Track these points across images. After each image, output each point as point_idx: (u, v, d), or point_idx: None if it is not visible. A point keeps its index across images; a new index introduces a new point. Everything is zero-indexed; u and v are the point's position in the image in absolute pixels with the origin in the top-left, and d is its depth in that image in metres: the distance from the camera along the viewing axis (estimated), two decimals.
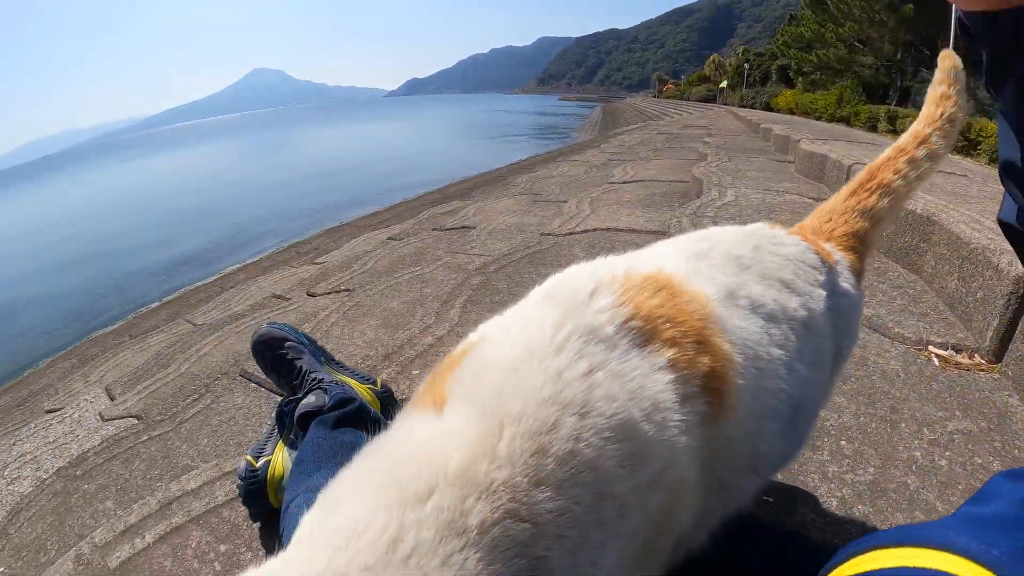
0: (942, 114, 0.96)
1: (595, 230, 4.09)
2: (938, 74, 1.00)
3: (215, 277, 9.60)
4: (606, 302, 0.58)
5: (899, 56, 22.72)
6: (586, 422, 0.49)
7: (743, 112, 24.86)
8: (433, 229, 5.40)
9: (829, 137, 7.47)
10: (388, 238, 5.60)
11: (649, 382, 0.53)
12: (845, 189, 1.05)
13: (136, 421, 2.73)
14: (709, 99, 58.08)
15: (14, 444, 3.10)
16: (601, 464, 0.49)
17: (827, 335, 0.82)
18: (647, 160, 7.89)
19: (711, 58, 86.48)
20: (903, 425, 1.68)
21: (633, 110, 54.27)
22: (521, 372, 0.51)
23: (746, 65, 53.28)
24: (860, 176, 1.03)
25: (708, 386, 0.57)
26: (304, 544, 0.52)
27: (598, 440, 0.49)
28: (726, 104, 44.61)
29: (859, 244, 1.01)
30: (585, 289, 0.60)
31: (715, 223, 3.42)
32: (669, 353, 0.56)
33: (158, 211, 27.83)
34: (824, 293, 0.83)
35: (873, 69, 23.43)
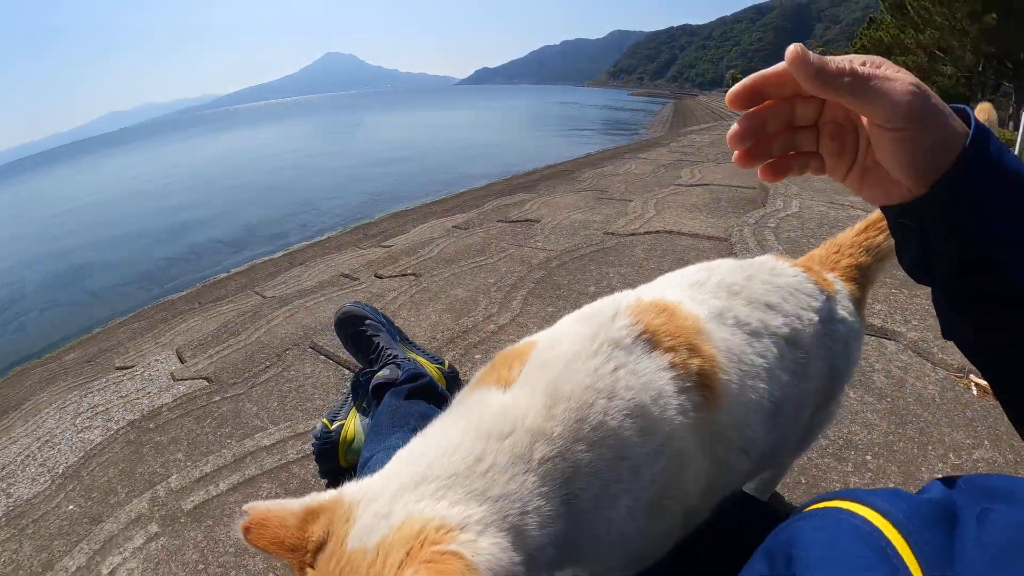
0: None
1: (658, 232, 4.13)
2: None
3: (283, 252, 9.80)
4: (625, 322, 0.80)
5: (980, 68, 21.90)
6: (612, 403, 0.72)
7: None
8: (498, 220, 5.52)
9: None
10: (454, 226, 5.75)
11: (655, 377, 0.75)
12: (858, 225, 1.18)
13: (206, 383, 2.98)
14: None
15: (84, 396, 3.40)
16: (621, 433, 0.72)
17: (815, 353, 0.97)
18: (716, 163, 7.82)
19: None
20: (930, 448, 1.72)
21: (705, 108, 53.27)
22: (570, 368, 0.74)
23: None
24: (873, 215, 1.15)
25: (700, 382, 0.78)
26: (402, 461, 0.76)
27: (620, 416, 0.72)
28: None
29: (861, 276, 1.15)
30: (609, 313, 0.82)
31: (776, 234, 3.49)
32: (669, 357, 0.77)
33: (228, 185, 28.41)
34: (816, 317, 0.99)
35: (953, 80, 22.53)
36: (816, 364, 0.97)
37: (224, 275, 9.16)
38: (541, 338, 0.84)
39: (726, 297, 0.94)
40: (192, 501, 1.93)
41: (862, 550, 0.48)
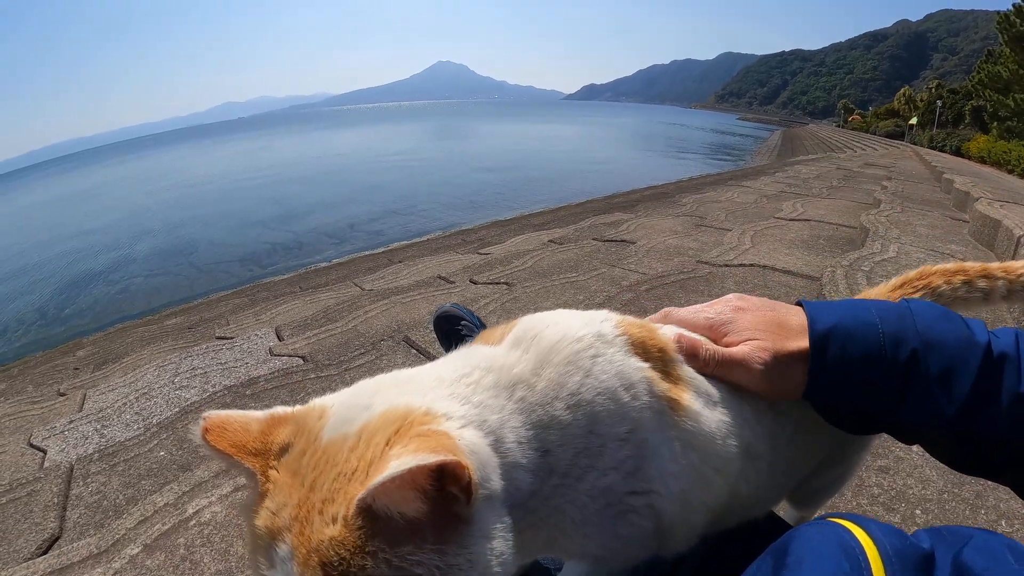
0: (1021, 275, 1.01)
1: (751, 265, 4.08)
2: None
3: (383, 249, 10.00)
4: (610, 324, 0.83)
5: None
6: (588, 380, 0.75)
7: (929, 155, 23.30)
8: (593, 239, 5.53)
9: (1013, 199, 6.83)
10: (550, 240, 5.80)
11: (630, 372, 0.78)
12: (895, 280, 1.12)
13: (302, 361, 3.11)
14: (896, 135, 54.89)
15: (184, 359, 3.60)
16: (594, 408, 0.74)
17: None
18: (819, 197, 7.69)
19: (902, 91, 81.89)
20: (982, 512, 1.66)
21: (815, 138, 52.08)
22: (558, 343, 0.77)
23: (938, 103, 49.86)
24: (911, 274, 1.09)
25: (668, 394, 0.79)
26: (384, 377, 0.79)
27: (593, 392, 0.74)
28: (913, 143, 42.20)
29: None
30: (600, 316, 0.85)
31: (868, 278, 3.40)
32: (644, 363, 0.80)
33: (336, 180, 29.18)
34: None
35: None
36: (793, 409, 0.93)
37: (325, 264, 9.43)
38: (537, 318, 0.87)
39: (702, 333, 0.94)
40: None
41: (842, 561, 0.53)
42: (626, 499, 0.76)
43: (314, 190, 25.95)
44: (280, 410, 0.72)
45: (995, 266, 1.03)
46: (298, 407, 0.73)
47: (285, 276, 8.92)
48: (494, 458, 0.67)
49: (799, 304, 0.87)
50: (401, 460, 0.55)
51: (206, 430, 0.67)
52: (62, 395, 3.83)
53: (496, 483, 0.66)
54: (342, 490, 0.60)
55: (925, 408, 0.74)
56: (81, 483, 2.24)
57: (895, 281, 1.11)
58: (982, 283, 1.02)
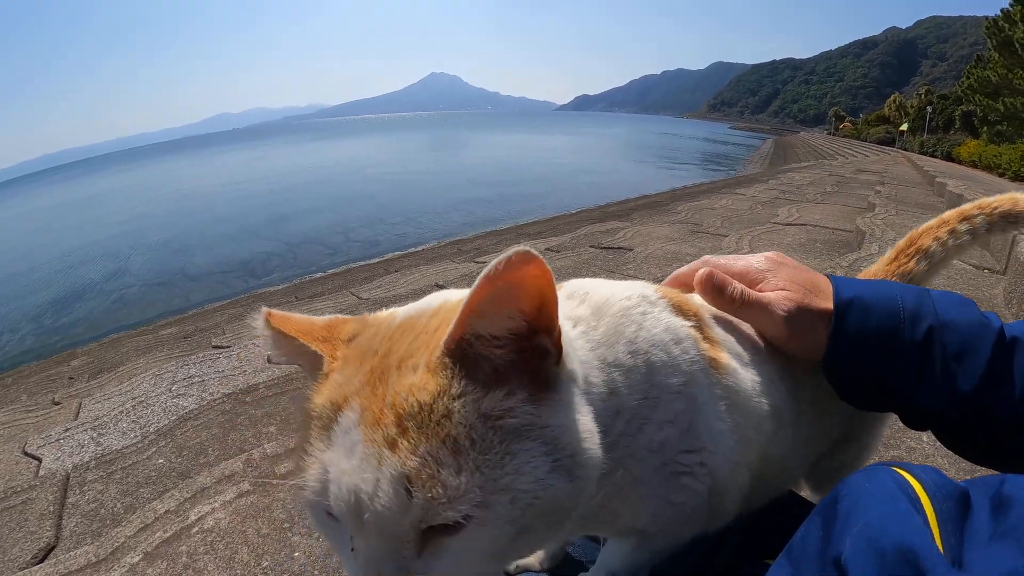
0: (996, 208, 1.07)
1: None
2: None
3: (379, 259, 10.00)
4: (651, 288, 0.82)
5: None
6: (642, 332, 0.74)
7: (921, 160, 23.51)
8: (591, 246, 5.54)
9: None
10: (547, 248, 5.78)
11: (677, 326, 0.77)
12: (888, 254, 1.15)
13: (300, 368, 3.08)
14: (887, 142, 55.30)
15: (181, 367, 3.56)
16: (650, 358, 0.72)
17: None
18: (814, 203, 7.74)
19: (892, 97, 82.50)
20: None
21: (806, 146, 52.45)
22: (610, 300, 0.76)
23: (928, 108, 50.29)
24: (900, 243, 1.13)
25: (709, 354, 0.78)
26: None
27: (648, 343, 0.73)
28: (904, 149, 42.46)
29: None
30: (639, 283, 0.83)
31: None
32: (689, 321, 0.79)
33: (330, 191, 29.19)
34: None
35: None
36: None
37: (321, 275, 9.41)
38: (572, 280, 0.86)
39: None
40: (286, 467, 2.01)
41: (895, 490, 0.52)
42: (679, 457, 0.74)
43: (308, 201, 25.94)
44: (339, 316, 0.70)
45: (968, 206, 1.09)
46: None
47: (280, 287, 8.89)
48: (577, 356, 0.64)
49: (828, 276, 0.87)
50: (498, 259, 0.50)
51: (269, 315, 0.65)
52: (57, 404, 3.79)
53: (579, 375, 0.63)
54: (423, 344, 0.57)
55: (942, 385, 0.75)
56: (77, 491, 2.21)
57: (888, 255, 1.14)
58: (964, 226, 1.07)
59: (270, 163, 59.47)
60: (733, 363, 0.80)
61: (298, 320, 0.66)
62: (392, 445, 0.52)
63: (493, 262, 0.49)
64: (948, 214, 1.11)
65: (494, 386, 0.54)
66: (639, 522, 0.78)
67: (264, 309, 0.65)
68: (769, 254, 0.92)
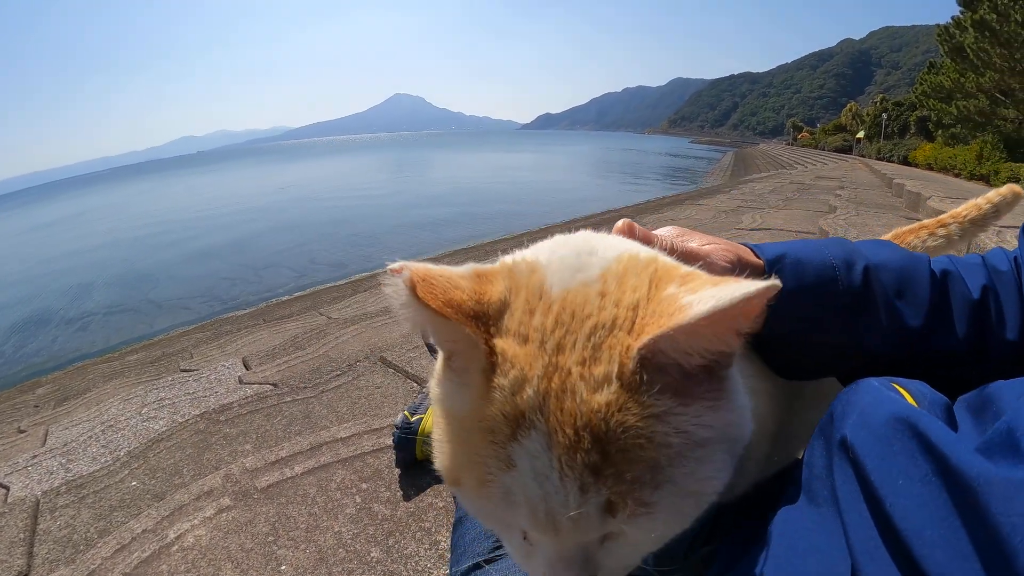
0: (966, 216, 1.17)
1: None
2: (994, 193, 1.19)
3: (346, 280, 9.96)
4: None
5: None
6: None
7: (878, 165, 23.98)
8: None
9: (963, 196, 7.11)
10: None
11: None
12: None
13: (272, 387, 3.04)
14: (844, 149, 56.04)
15: (150, 391, 3.50)
16: None
17: None
18: (777, 209, 7.85)
19: (848, 106, 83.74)
20: None
21: (766, 157, 53.00)
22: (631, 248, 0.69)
23: (884, 115, 51.11)
24: (887, 236, 1.21)
25: None
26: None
27: None
28: (862, 156, 43.16)
29: None
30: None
31: None
32: None
33: (294, 214, 28.98)
34: None
35: (1016, 124, 22.02)
36: None
37: (287, 297, 9.35)
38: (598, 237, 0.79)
39: None
40: (265, 480, 1.99)
41: (884, 387, 0.55)
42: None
43: (271, 224, 25.73)
44: (478, 267, 0.61)
45: (944, 216, 1.20)
46: (492, 265, 0.63)
47: (247, 311, 8.81)
48: None
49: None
50: (721, 289, 0.47)
51: (413, 283, 0.51)
52: (22, 432, 3.70)
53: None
54: (607, 344, 0.51)
55: (890, 327, 0.74)
56: (48, 517, 2.15)
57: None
58: (941, 231, 1.18)
59: (230, 187, 58.87)
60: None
61: (443, 286, 0.54)
62: (595, 472, 0.49)
63: (733, 295, 0.46)
64: (927, 221, 1.20)
65: (685, 396, 0.51)
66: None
67: (406, 273, 0.52)
68: (671, 228, 0.85)
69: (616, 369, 0.49)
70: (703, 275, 0.55)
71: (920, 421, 0.47)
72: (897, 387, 0.56)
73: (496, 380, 0.52)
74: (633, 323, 0.51)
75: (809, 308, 0.74)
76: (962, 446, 0.44)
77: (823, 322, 0.75)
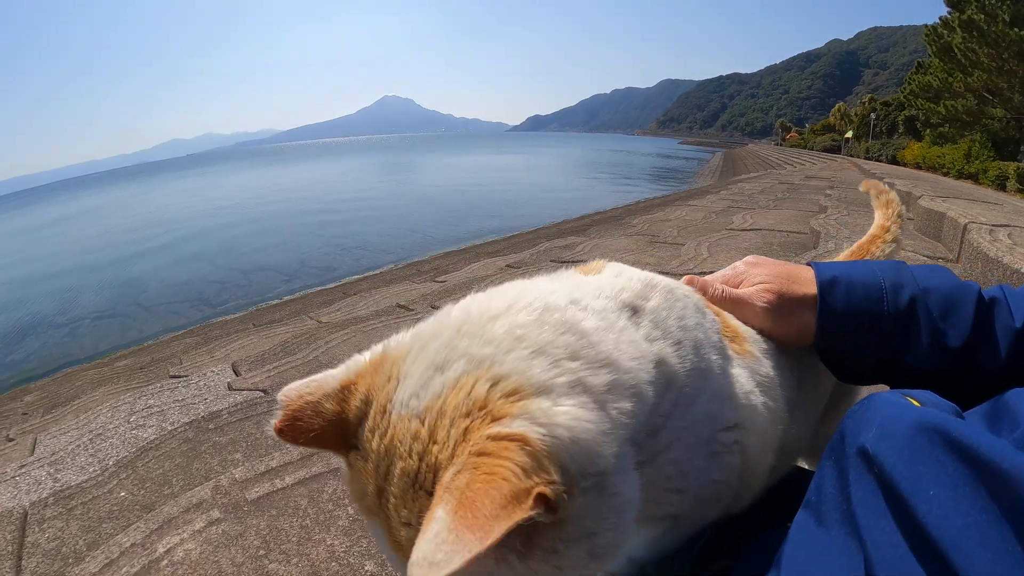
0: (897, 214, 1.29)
1: (712, 271, 4.03)
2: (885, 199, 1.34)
3: (336, 284, 9.93)
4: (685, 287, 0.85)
5: None
6: (686, 310, 0.74)
7: (867, 165, 24.12)
8: (551, 260, 5.56)
9: (952, 195, 7.36)
10: (507, 265, 5.80)
11: (704, 308, 0.81)
12: (860, 241, 1.31)
13: (262, 394, 3.03)
14: (833, 149, 56.29)
15: (139, 398, 3.43)
16: (695, 334, 0.72)
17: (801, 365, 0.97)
18: (767, 209, 7.88)
19: (836, 107, 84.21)
20: None
21: (755, 157, 53.18)
22: (652, 280, 0.76)
23: (872, 115, 51.44)
24: (851, 250, 1.28)
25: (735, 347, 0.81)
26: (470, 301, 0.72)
27: (692, 320, 0.74)
28: (850, 156, 43.38)
29: None
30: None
31: None
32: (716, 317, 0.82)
33: (282, 218, 28.88)
34: None
35: (1003, 122, 22.22)
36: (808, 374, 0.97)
37: (277, 301, 9.32)
38: (618, 265, 0.84)
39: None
40: (256, 492, 1.97)
41: (898, 397, 0.57)
42: (718, 436, 0.72)
43: (259, 227, 25.63)
44: (352, 369, 0.67)
45: (879, 225, 1.30)
46: (373, 353, 0.68)
47: (236, 315, 8.77)
48: (605, 423, 0.55)
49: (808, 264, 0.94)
50: (440, 550, 0.43)
51: (280, 431, 0.64)
52: (11, 441, 3.67)
53: (606, 460, 0.53)
54: (410, 495, 0.54)
55: (931, 347, 0.80)
56: (37, 529, 2.12)
57: (861, 242, 1.29)
58: (889, 236, 1.26)
59: (219, 191, 58.61)
60: (754, 349, 0.83)
61: (309, 415, 0.64)
62: None
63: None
64: (874, 232, 1.30)
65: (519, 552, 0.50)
66: (683, 504, 0.72)
67: (275, 422, 0.65)
68: (747, 259, 0.98)
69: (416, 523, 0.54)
70: (503, 459, 0.48)
71: (948, 425, 0.47)
72: (908, 398, 0.57)
73: (352, 485, 0.62)
74: (431, 489, 0.53)
75: (852, 328, 0.83)
76: (1002, 445, 0.43)
77: (864, 341, 0.83)
